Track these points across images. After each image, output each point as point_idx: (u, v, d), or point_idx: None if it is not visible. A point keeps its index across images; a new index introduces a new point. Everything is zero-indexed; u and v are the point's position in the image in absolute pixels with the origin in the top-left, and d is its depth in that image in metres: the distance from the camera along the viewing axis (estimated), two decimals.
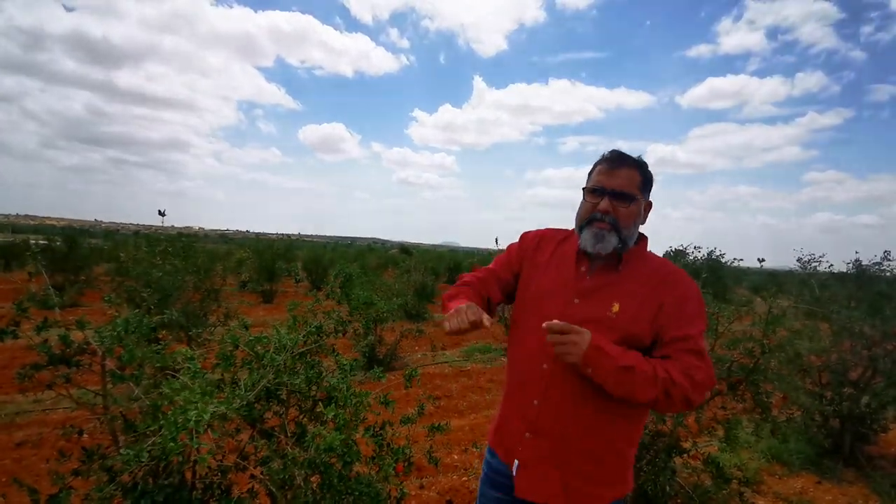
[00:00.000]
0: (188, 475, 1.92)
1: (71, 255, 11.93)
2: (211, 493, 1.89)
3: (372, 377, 2.18)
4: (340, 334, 2.40)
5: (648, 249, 1.44)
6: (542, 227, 1.59)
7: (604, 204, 1.33)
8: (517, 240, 1.60)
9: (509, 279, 1.53)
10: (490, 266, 1.57)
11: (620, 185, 1.34)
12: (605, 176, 1.36)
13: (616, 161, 1.38)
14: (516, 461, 1.39)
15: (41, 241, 13.77)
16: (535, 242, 1.53)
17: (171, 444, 1.31)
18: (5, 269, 15.42)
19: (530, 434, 1.36)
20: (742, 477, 2.86)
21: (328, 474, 1.72)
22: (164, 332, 2.16)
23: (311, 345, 2.13)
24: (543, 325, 1.22)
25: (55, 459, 1.80)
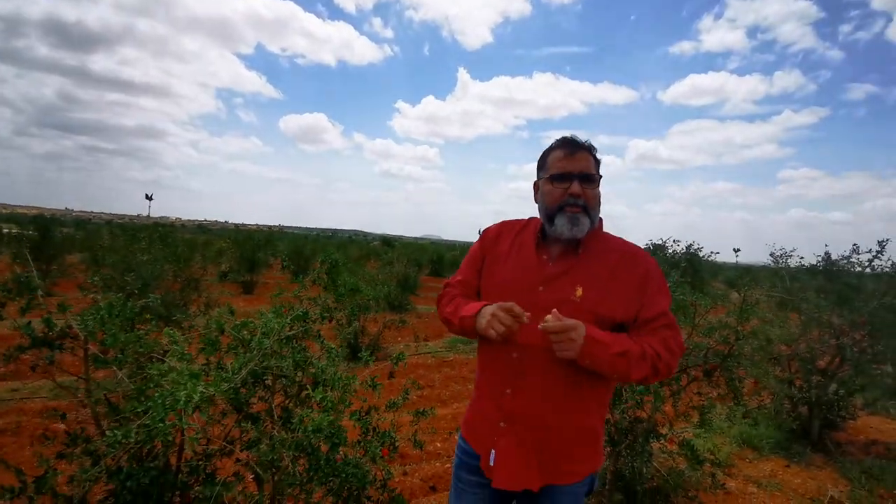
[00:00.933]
0: (173, 459, 1.93)
1: (44, 244, 11.63)
2: (196, 476, 1.90)
3: (360, 364, 2.20)
4: (326, 321, 2.42)
5: (604, 230, 1.49)
6: (501, 221, 1.61)
7: (575, 187, 1.36)
8: (482, 234, 1.62)
9: (479, 284, 1.56)
10: (460, 277, 1.59)
11: (585, 168, 1.39)
12: (567, 161, 1.39)
13: (573, 146, 1.41)
14: (493, 452, 1.41)
15: (13, 230, 13.39)
16: (495, 235, 1.56)
17: (160, 424, 1.31)
18: None
19: (505, 423, 1.40)
20: (714, 459, 2.97)
21: (315, 456, 1.74)
22: (146, 315, 2.15)
23: (297, 330, 2.14)
24: (540, 326, 1.24)
25: (39, 443, 1.78)
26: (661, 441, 3.05)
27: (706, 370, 3.00)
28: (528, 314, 1.28)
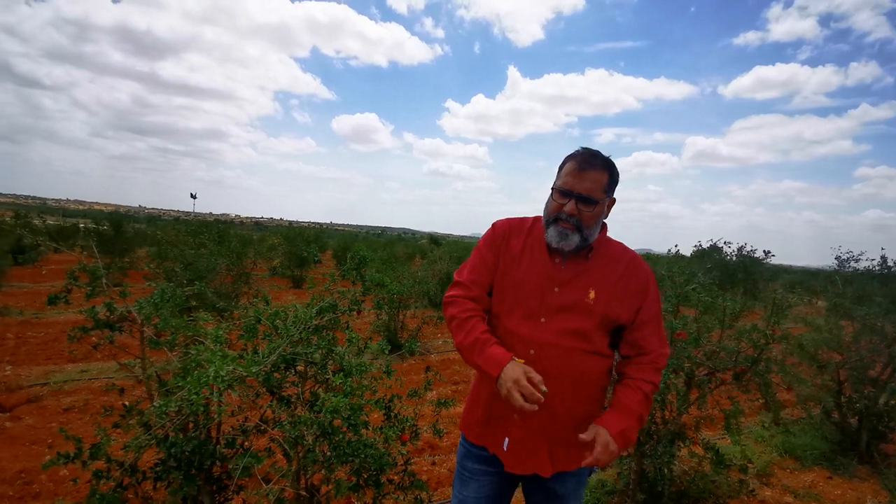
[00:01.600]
0: (213, 432, 2.14)
1: (117, 239, 12.62)
2: (233, 448, 2.09)
3: (378, 356, 2.33)
4: (355, 312, 2.57)
5: (608, 235, 1.58)
6: (507, 218, 1.66)
7: (569, 207, 1.42)
8: (490, 229, 1.65)
9: (491, 281, 1.58)
10: (473, 277, 1.58)
11: (588, 190, 1.41)
12: (574, 178, 1.43)
13: (586, 163, 1.43)
14: (507, 440, 1.50)
15: (89, 225, 14.59)
16: (506, 234, 1.59)
17: (195, 396, 1.50)
18: (56, 251, 16.35)
19: (519, 415, 1.47)
20: (742, 465, 2.91)
21: (335, 436, 1.89)
22: (192, 303, 2.38)
23: (326, 320, 2.30)
24: (584, 464, 1.36)
25: (99, 414, 2.03)
26: (688, 444, 3.02)
27: (736, 374, 2.95)
28: (545, 389, 1.31)
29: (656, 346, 1.50)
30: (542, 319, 1.45)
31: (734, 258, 12.27)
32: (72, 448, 1.89)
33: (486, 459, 1.58)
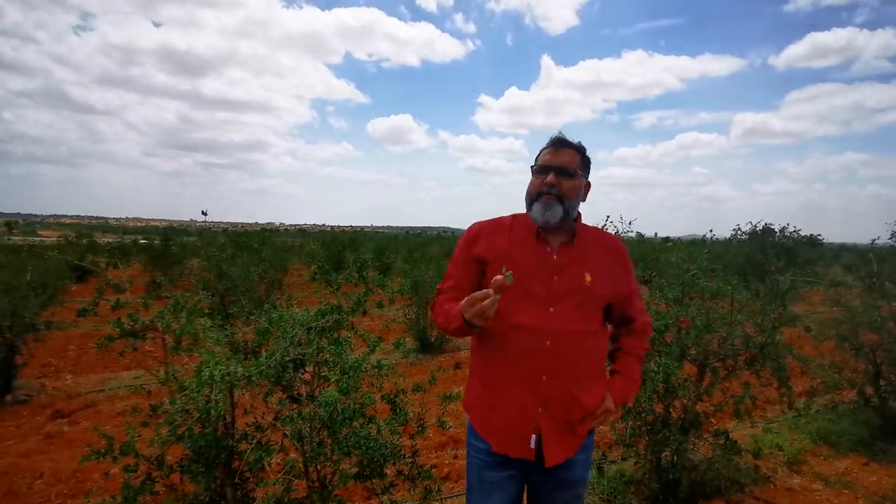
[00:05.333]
0: (229, 428, 2.32)
1: (165, 253, 13.39)
2: (246, 441, 2.27)
3: (407, 356, 2.45)
4: (361, 312, 2.71)
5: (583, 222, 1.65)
6: (480, 221, 1.71)
7: (550, 177, 1.52)
8: (463, 234, 1.70)
9: (473, 282, 1.62)
10: (451, 283, 1.64)
11: (564, 163, 1.54)
12: (551, 156, 1.57)
13: (559, 144, 1.58)
14: (533, 437, 1.49)
15: (142, 241, 15.53)
16: (489, 234, 1.63)
17: (196, 394, 1.67)
18: (115, 267, 17.46)
19: (543, 408, 1.49)
20: (755, 450, 2.87)
21: (333, 429, 2.02)
22: (229, 309, 2.57)
23: (332, 322, 2.43)
24: (593, 425, 1.57)
25: (128, 413, 2.25)
26: (707, 435, 3.00)
27: (747, 359, 2.91)
28: (510, 273, 1.33)
29: (639, 313, 1.69)
30: (551, 309, 1.48)
31: (777, 240, 11.76)
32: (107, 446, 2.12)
33: (508, 465, 1.56)
